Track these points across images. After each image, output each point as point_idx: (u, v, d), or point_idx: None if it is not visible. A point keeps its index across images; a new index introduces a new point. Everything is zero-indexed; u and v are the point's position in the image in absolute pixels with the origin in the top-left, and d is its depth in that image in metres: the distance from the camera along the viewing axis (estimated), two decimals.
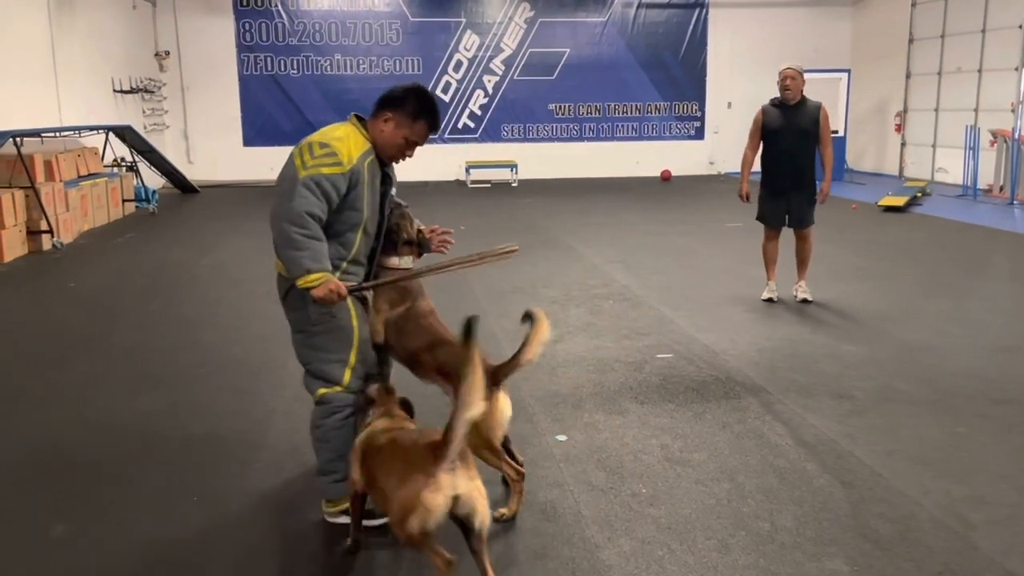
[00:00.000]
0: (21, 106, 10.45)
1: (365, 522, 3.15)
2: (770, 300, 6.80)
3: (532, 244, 9.66)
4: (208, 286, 7.58)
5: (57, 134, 10.99)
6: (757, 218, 6.91)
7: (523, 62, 17.60)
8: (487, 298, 7.04)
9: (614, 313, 6.54)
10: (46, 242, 9.58)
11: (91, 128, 11.99)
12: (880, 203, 12.42)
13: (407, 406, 3.23)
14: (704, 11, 17.92)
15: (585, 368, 5.21)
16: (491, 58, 17.51)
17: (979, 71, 14.80)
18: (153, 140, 14.52)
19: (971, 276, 7.88)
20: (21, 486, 3.69)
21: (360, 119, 3.32)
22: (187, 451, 4.01)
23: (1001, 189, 13.62)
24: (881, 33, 17.44)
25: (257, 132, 17.04)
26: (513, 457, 3.44)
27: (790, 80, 6.52)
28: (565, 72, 17.71)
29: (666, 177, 17.60)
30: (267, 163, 16.87)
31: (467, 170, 16.72)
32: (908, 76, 16.79)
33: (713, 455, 3.90)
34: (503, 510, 3.30)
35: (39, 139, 10.56)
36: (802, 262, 6.84)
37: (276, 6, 16.66)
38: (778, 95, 6.71)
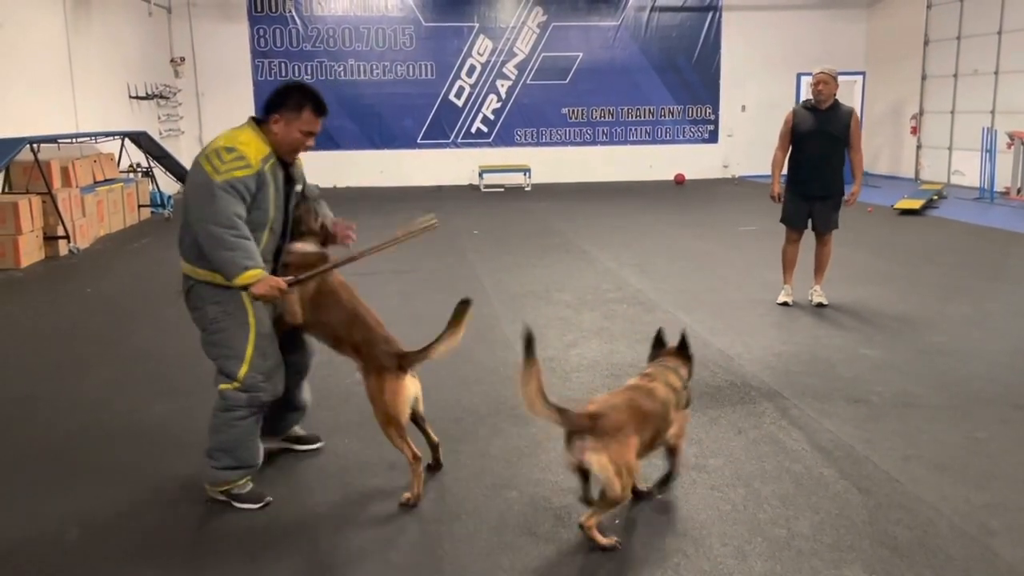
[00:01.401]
0: (38, 112, 10.55)
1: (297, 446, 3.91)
2: (786, 304, 6.77)
3: (545, 248, 9.65)
4: None
5: (74, 140, 11.09)
6: (781, 220, 6.87)
7: (536, 66, 17.60)
8: (500, 302, 7.03)
9: (628, 317, 6.51)
10: (63, 247, 9.66)
11: (107, 134, 12.08)
12: (896, 206, 12.34)
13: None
14: (717, 14, 17.87)
15: (599, 373, 5.18)
16: (504, 63, 17.51)
17: (995, 73, 14.68)
18: (168, 146, 14.61)
19: (989, 279, 7.80)
20: (38, 489, 3.71)
21: (257, 121, 3.44)
22: (202, 456, 4.01)
23: (1019, 192, 13.50)
24: (896, 35, 17.34)
25: None
26: (428, 436, 3.69)
27: (823, 85, 6.46)
28: (578, 76, 17.69)
29: (680, 181, 17.54)
30: None
31: (480, 174, 16.73)
32: (924, 78, 16.68)
33: (729, 461, 3.88)
34: (407, 494, 3.46)
35: (56, 145, 10.66)
36: (820, 266, 6.81)
37: (290, 12, 16.74)
38: (811, 98, 6.67)
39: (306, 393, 3.95)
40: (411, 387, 3.48)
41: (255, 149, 3.31)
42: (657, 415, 3.24)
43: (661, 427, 3.28)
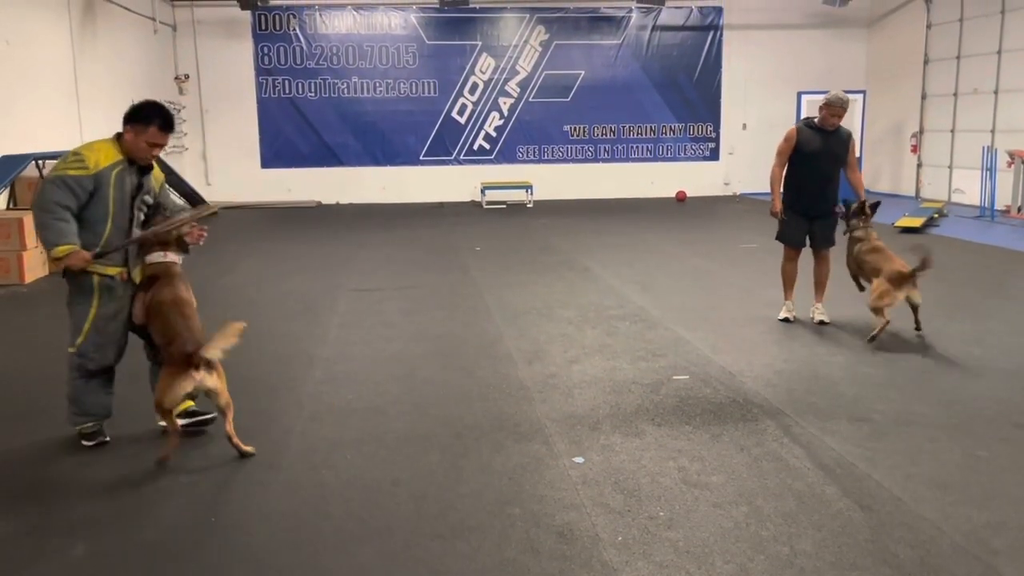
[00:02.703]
0: (43, 129, 10.62)
1: (185, 421, 4.36)
2: (787, 320, 6.78)
3: (547, 265, 9.68)
4: (225, 306, 7.62)
5: None
6: (777, 238, 6.89)
7: (538, 84, 17.70)
8: (503, 319, 7.05)
9: (630, 334, 6.53)
10: None
11: None
12: (897, 224, 12.35)
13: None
14: (718, 33, 17.99)
15: (601, 389, 5.20)
16: (506, 80, 17.63)
17: (995, 92, 14.75)
18: (172, 162, 14.67)
19: (990, 298, 7.82)
20: (41, 505, 3.71)
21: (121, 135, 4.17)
22: (206, 472, 4.03)
23: (1019, 210, 13.54)
24: (896, 54, 17.45)
25: (275, 154, 17.22)
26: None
27: (837, 119, 6.51)
28: (580, 94, 17.80)
29: (681, 198, 17.60)
30: (285, 185, 17.11)
31: (482, 191, 16.80)
32: (924, 97, 16.76)
33: (731, 478, 3.88)
34: (163, 454, 4.04)
35: None
36: (820, 284, 6.83)
37: (294, 30, 16.87)
38: (813, 117, 6.70)
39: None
40: (188, 382, 3.92)
41: (104, 156, 4.03)
42: None
43: None
